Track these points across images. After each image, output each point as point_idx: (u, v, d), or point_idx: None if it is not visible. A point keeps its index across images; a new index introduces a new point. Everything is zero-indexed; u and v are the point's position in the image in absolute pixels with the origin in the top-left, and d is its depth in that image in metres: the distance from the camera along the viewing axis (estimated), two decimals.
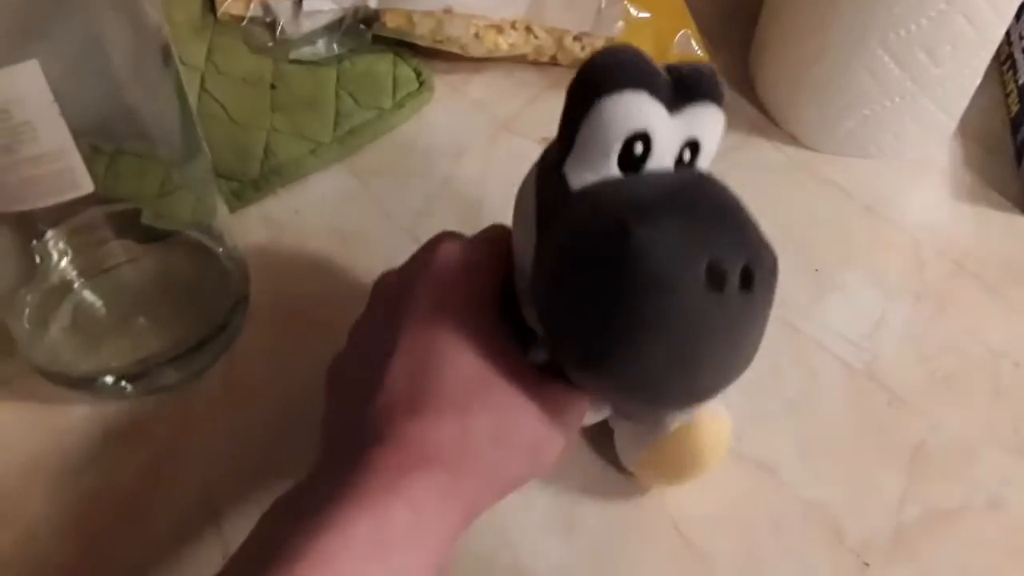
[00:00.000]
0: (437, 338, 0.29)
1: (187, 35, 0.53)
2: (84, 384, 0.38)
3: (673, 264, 0.25)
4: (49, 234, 0.36)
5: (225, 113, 0.49)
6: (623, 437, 0.36)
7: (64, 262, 0.38)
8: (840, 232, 0.47)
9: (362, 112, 0.49)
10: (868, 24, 0.44)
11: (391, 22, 0.52)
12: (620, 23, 0.52)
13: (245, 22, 0.53)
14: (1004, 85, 0.54)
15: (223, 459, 0.37)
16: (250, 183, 0.46)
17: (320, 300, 0.42)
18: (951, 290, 0.44)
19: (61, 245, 0.37)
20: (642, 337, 0.26)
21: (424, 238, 0.33)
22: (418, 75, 0.52)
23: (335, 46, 0.52)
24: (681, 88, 0.29)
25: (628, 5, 0.52)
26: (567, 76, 0.28)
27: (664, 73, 0.28)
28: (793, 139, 0.51)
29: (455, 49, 0.51)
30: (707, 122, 0.30)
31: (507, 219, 0.33)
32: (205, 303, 0.40)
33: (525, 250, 0.30)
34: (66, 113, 0.29)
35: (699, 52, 0.53)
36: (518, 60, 0.53)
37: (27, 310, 0.37)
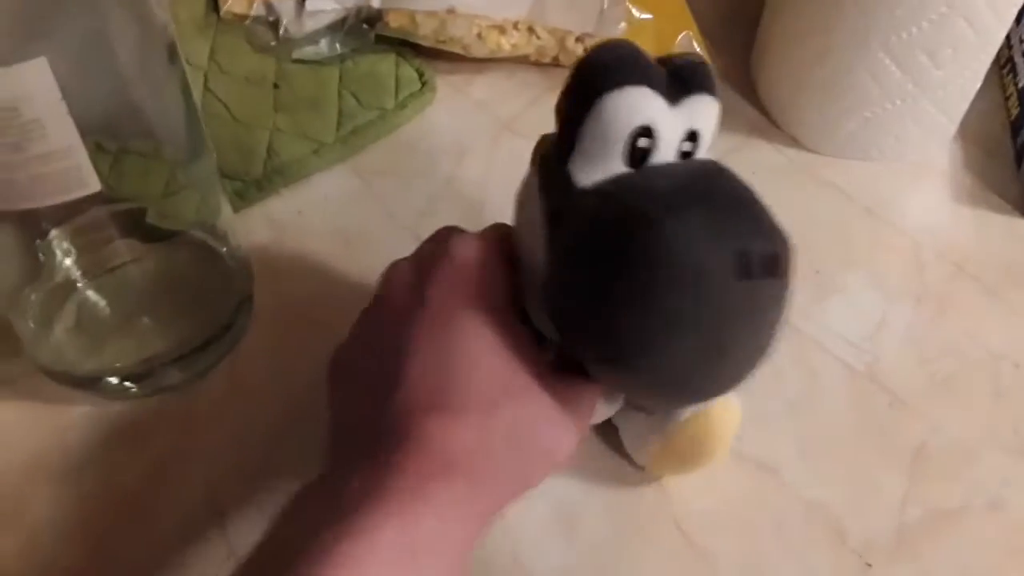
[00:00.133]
0: (459, 336, 0.28)
1: (190, 34, 0.53)
2: (88, 384, 0.38)
3: (702, 253, 0.25)
4: (53, 233, 0.36)
5: (228, 113, 0.49)
6: (632, 429, 0.36)
7: (68, 261, 0.37)
8: (841, 234, 0.47)
9: (365, 112, 0.49)
10: (870, 27, 0.44)
11: (394, 22, 0.52)
12: (622, 24, 0.52)
13: (248, 21, 0.53)
14: (1004, 88, 0.54)
15: (227, 459, 0.37)
16: (253, 183, 0.46)
17: (323, 300, 0.42)
18: (951, 292, 0.45)
19: (65, 244, 0.37)
20: (674, 330, 0.26)
21: None
22: (420, 75, 0.52)
23: (338, 46, 0.52)
24: (678, 80, 0.29)
25: (630, 6, 0.52)
26: None
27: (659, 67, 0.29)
28: (794, 141, 0.51)
29: (458, 49, 0.52)
30: (705, 113, 0.30)
31: (508, 219, 0.33)
32: (209, 303, 0.40)
33: (532, 251, 0.30)
34: (72, 111, 0.29)
35: (701, 54, 0.53)
36: (520, 61, 0.53)
37: (31, 309, 0.37)
